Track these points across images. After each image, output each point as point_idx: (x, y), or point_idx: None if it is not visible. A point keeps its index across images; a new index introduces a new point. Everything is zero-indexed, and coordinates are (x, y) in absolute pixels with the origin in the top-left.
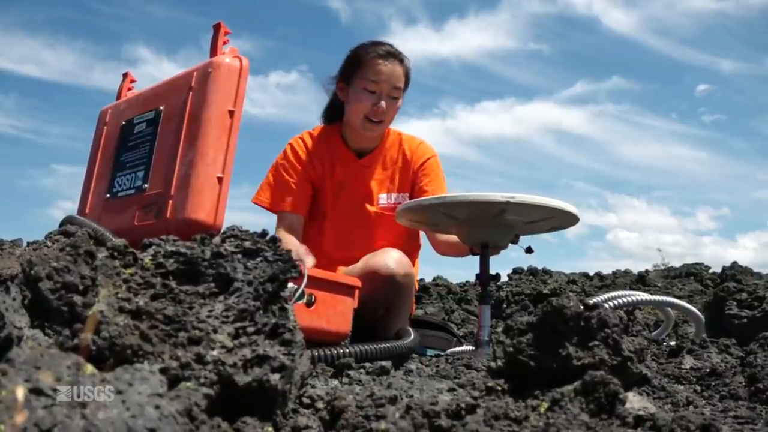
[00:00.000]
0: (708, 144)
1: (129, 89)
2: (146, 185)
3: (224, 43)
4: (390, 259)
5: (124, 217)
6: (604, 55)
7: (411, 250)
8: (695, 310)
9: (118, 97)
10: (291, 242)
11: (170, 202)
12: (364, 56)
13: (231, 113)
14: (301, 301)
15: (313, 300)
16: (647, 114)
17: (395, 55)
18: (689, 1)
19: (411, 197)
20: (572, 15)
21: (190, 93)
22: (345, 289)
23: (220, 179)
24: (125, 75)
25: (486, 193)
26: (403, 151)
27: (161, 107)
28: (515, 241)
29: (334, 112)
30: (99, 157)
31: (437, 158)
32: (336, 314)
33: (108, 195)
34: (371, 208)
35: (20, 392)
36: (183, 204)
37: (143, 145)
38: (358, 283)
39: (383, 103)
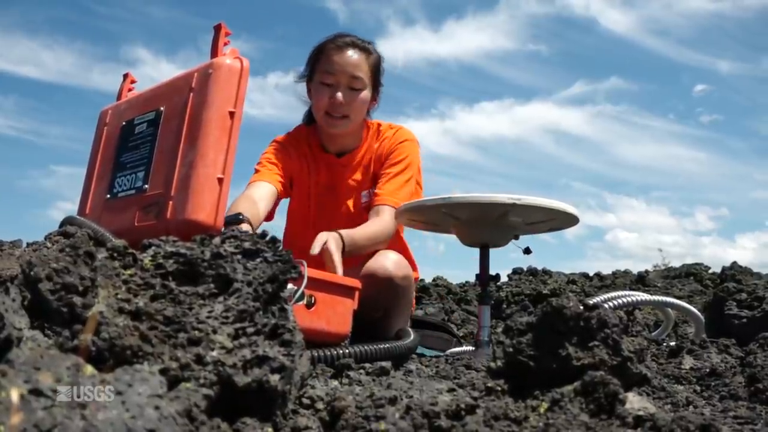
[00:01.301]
0: (706, 144)
1: (129, 90)
2: (146, 186)
3: (225, 44)
4: (388, 261)
5: (125, 218)
6: (602, 55)
7: (398, 249)
8: (695, 310)
9: (119, 97)
10: (236, 205)
11: (170, 202)
12: (321, 50)
13: (231, 114)
14: (300, 303)
15: (312, 301)
16: (645, 114)
17: (354, 45)
18: (686, 2)
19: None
20: (570, 16)
21: (191, 94)
22: (345, 291)
23: (220, 180)
24: (125, 76)
25: (491, 194)
26: (381, 142)
27: (162, 108)
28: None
29: (311, 113)
30: (99, 158)
31: (412, 143)
32: (336, 315)
33: (108, 195)
34: (353, 207)
35: (15, 394)
36: (183, 205)
37: (143, 145)
38: (358, 284)
39: (339, 95)
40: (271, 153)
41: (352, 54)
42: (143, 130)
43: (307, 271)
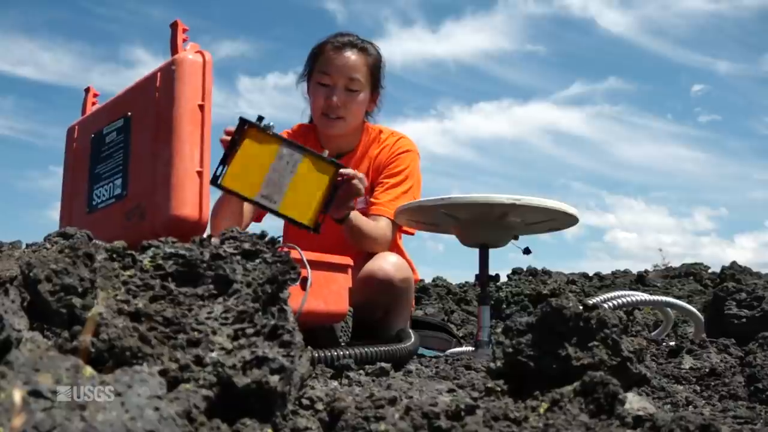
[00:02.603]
0: (704, 144)
1: (93, 103)
2: (125, 192)
3: (184, 40)
4: (387, 263)
5: (108, 228)
6: (600, 56)
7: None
8: (694, 310)
9: (83, 112)
10: (218, 222)
11: (153, 203)
12: (320, 49)
13: (201, 107)
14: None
15: (307, 282)
16: (644, 114)
17: (353, 45)
18: (684, 2)
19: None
20: (568, 16)
21: (157, 93)
22: (337, 268)
23: (200, 173)
24: (87, 90)
25: (490, 194)
26: (381, 149)
27: (129, 113)
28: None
29: None
30: (72, 175)
31: (412, 154)
32: (332, 294)
33: (87, 209)
34: None
35: (18, 395)
36: (166, 203)
37: (116, 153)
38: (349, 261)
39: (335, 98)
40: None
41: (349, 55)
42: (114, 138)
43: (297, 254)
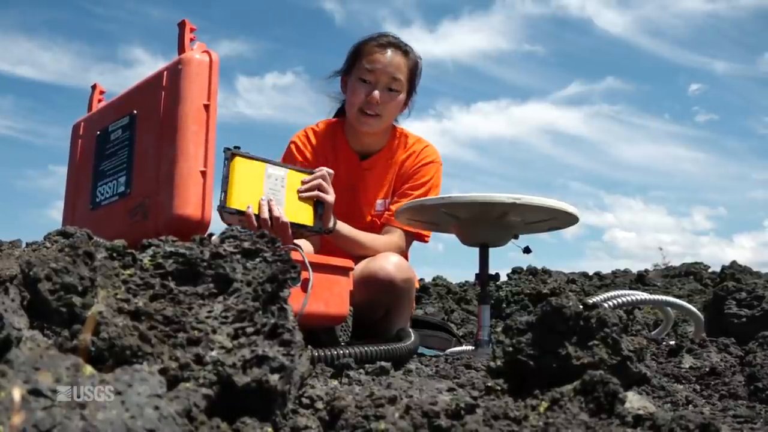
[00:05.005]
0: (703, 144)
1: (99, 101)
2: (129, 189)
3: (191, 39)
4: (389, 264)
5: (111, 225)
6: (598, 56)
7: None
8: (694, 309)
9: (89, 109)
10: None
11: (156, 201)
12: (363, 46)
13: (206, 107)
14: (296, 285)
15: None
16: (642, 114)
17: (397, 46)
18: (682, 3)
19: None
20: (566, 16)
21: (163, 92)
22: (339, 270)
23: (203, 173)
24: (94, 87)
25: (490, 194)
26: (407, 154)
27: (135, 111)
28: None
29: (343, 109)
30: (77, 171)
31: (436, 165)
32: (333, 296)
33: (91, 206)
34: (367, 213)
35: (17, 393)
36: (169, 202)
37: (121, 150)
38: (351, 264)
39: (377, 93)
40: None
41: (394, 54)
42: (119, 136)
43: (300, 255)
